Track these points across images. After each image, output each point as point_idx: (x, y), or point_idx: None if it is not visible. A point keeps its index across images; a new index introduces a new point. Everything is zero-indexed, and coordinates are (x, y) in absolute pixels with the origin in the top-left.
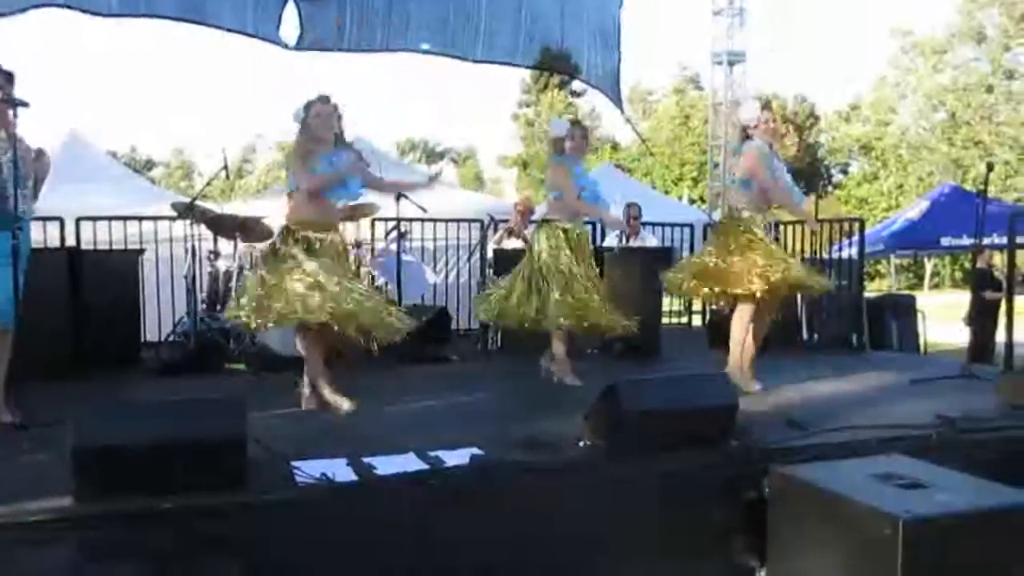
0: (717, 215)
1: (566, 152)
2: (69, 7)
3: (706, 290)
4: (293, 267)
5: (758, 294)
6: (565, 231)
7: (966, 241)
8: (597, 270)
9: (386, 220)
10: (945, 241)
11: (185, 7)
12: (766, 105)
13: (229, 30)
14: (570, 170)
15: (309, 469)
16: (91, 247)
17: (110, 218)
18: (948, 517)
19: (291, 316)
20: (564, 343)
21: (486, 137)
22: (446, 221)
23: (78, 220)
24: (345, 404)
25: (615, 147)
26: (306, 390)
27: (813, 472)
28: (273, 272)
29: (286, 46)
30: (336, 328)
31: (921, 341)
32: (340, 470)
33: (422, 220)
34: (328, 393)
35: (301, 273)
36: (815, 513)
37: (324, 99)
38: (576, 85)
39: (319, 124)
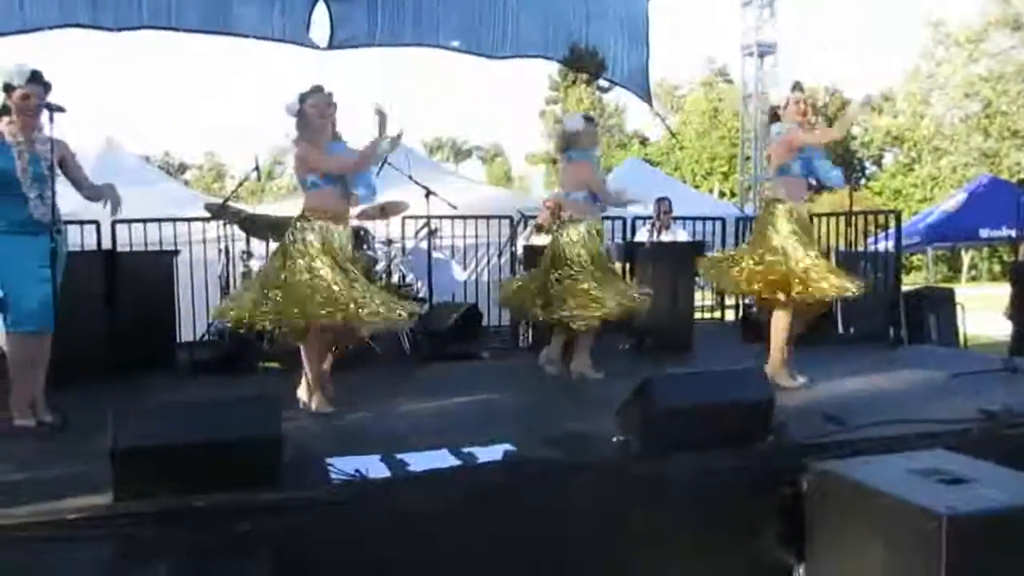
0: (748, 208)
1: (583, 146)
2: (96, 27)
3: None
4: (301, 265)
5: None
6: (596, 229)
7: (1006, 232)
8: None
9: (416, 218)
10: (984, 233)
11: (209, 19)
12: (796, 86)
13: (257, 38)
14: (590, 163)
15: (343, 466)
16: (127, 249)
17: (145, 220)
18: (992, 513)
19: (291, 315)
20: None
21: (514, 135)
22: (476, 218)
23: (114, 223)
24: (327, 409)
25: (644, 142)
26: (303, 394)
27: (852, 468)
28: (279, 269)
29: (316, 47)
30: (342, 326)
31: (960, 334)
32: (374, 467)
33: (452, 218)
34: (315, 395)
35: (308, 272)
36: (854, 510)
37: (318, 89)
38: (603, 81)
39: (316, 115)
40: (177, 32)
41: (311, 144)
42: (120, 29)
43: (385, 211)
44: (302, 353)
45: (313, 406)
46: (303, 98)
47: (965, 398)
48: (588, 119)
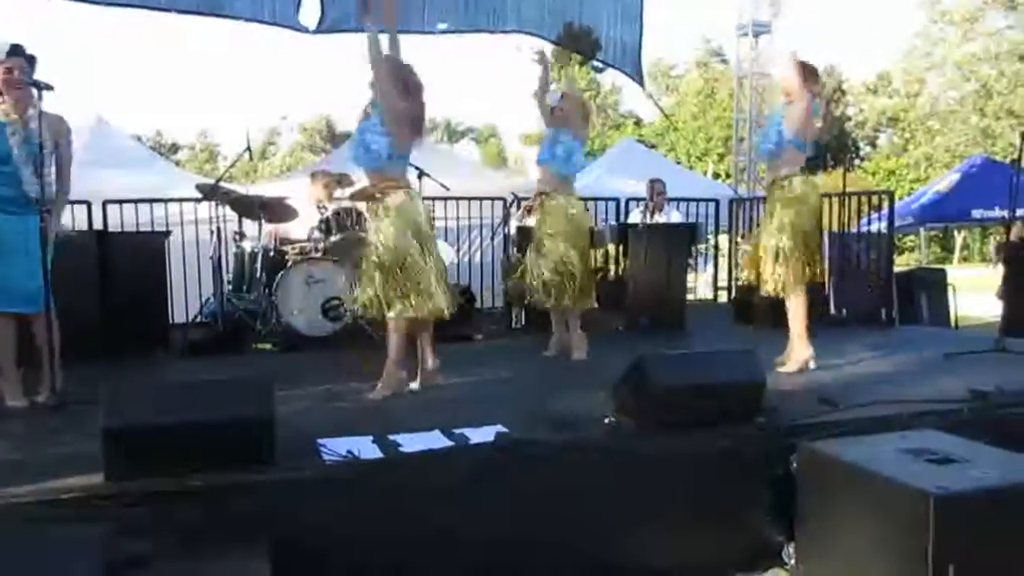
0: (743, 190)
1: (556, 123)
2: (93, 2)
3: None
4: (412, 262)
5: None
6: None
7: (998, 213)
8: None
9: None
10: (976, 213)
11: (200, 1)
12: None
13: (247, 20)
14: (547, 138)
15: (335, 447)
16: (118, 230)
17: (136, 201)
18: (981, 492)
19: (409, 313)
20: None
21: (508, 115)
22: (468, 199)
23: (105, 203)
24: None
25: (638, 123)
26: (401, 373)
27: (842, 448)
28: (395, 265)
29: (307, 30)
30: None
31: (952, 315)
32: (366, 447)
33: (444, 199)
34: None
35: (419, 272)
36: (844, 489)
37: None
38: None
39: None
40: (167, 13)
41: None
42: (109, 4)
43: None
44: (393, 337)
45: (390, 391)
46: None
47: (956, 378)
48: (564, 96)
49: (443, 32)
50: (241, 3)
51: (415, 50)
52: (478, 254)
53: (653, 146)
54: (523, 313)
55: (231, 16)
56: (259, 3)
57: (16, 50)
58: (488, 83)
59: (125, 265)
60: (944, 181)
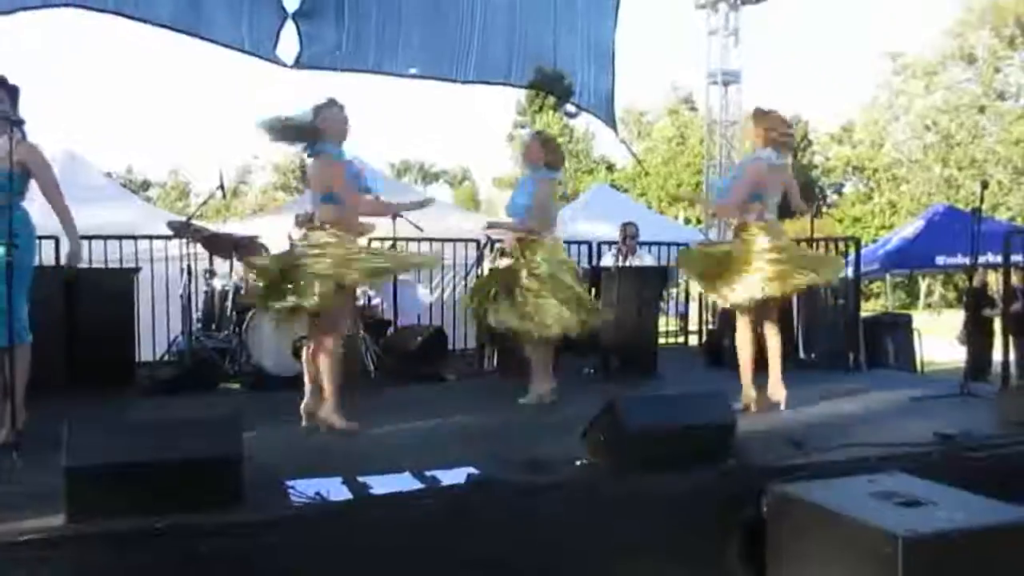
0: (713, 234)
1: (529, 164)
2: (68, 5)
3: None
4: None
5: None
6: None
7: (960, 260)
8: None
9: (382, 240)
10: (940, 260)
11: (179, 16)
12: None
13: (225, 45)
14: (533, 184)
15: (304, 488)
16: (86, 266)
17: (105, 237)
18: (948, 535)
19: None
20: (542, 361)
21: (481, 158)
22: (442, 241)
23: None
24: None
25: (611, 167)
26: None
27: (812, 490)
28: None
29: (284, 64)
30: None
31: (917, 359)
32: (335, 489)
33: (418, 240)
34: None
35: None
36: (814, 531)
37: (332, 102)
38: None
39: (335, 128)
40: (144, 24)
41: (336, 166)
42: (81, 6)
43: None
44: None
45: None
46: (318, 110)
47: (923, 421)
48: (536, 135)
49: (413, 76)
50: (220, 28)
51: (390, 93)
52: (451, 295)
53: (625, 191)
54: (495, 354)
55: (209, 39)
56: (238, 30)
57: None
58: (461, 127)
59: (92, 301)
60: (909, 228)
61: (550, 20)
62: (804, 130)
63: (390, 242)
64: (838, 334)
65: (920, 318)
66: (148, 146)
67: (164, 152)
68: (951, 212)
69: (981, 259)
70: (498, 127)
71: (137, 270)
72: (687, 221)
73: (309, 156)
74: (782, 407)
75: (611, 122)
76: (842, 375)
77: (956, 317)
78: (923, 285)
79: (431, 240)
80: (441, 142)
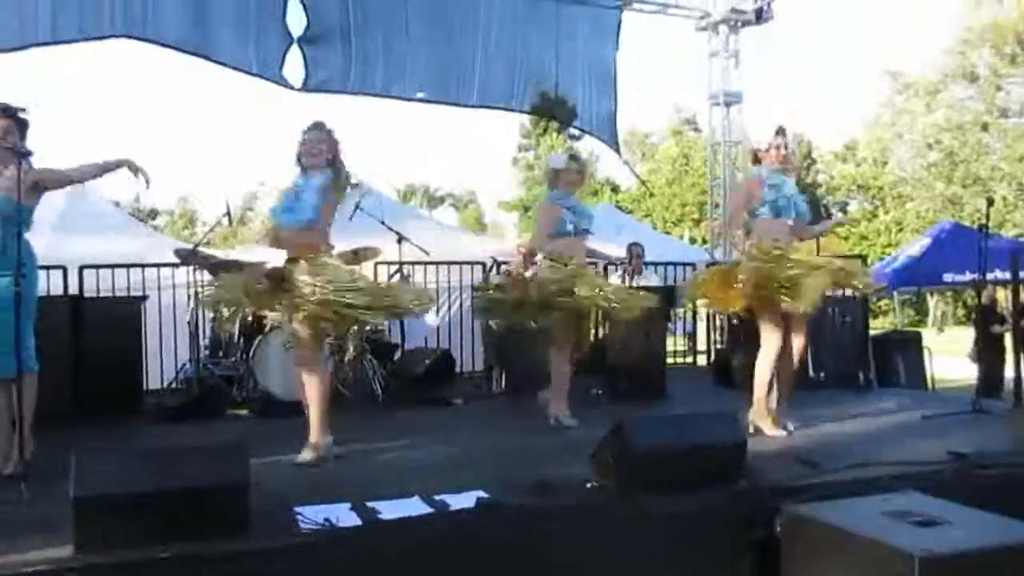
0: (719, 254)
1: (559, 187)
2: (57, 42)
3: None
4: None
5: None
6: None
7: (968, 277)
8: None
9: (388, 263)
10: (948, 277)
11: (187, 38)
12: (780, 131)
13: (233, 68)
14: (562, 207)
15: (312, 515)
16: (94, 295)
17: (113, 266)
18: (965, 554)
19: None
20: (564, 379)
21: (486, 182)
22: (448, 264)
23: (81, 268)
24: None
25: (615, 189)
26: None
27: (825, 510)
28: None
29: (291, 87)
30: None
31: (928, 377)
32: (344, 515)
33: (424, 263)
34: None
35: None
36: (828, 552)
37: (317, 126)
38: (574, 129)
39: (304, 151)
40: (152, 45)
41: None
42: (89, 39)
43: (358, 256)
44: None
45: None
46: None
47: (936, 440)
48: (572, 159)
49: (421, 100)
50: (228, 50)
51: (396, 118)
52: (458, 318)
53: (630, 212)
54: (503, 377)
55: (217, 61)
56: (246, 52)
57: (4, 111)
58: (466, 150)
59: (100, 330)
60: (916, 246)
61: (552, 45)
62: (807, 148)
63: (396, 266)
64: (847, 353)
65: (929, 336)
66: (155, 175)
67: (171, 181)
68: (957, 229)
69: (989, 276)
70: (502, 150)
71: (144, 298)
72: (692, 241)
73: None
74: (789, 431)
75: (614, 144)
76: (852, 394)
77: (964, 334)
78: (931, 303)
79: (437, 263)
80: (446, 166)
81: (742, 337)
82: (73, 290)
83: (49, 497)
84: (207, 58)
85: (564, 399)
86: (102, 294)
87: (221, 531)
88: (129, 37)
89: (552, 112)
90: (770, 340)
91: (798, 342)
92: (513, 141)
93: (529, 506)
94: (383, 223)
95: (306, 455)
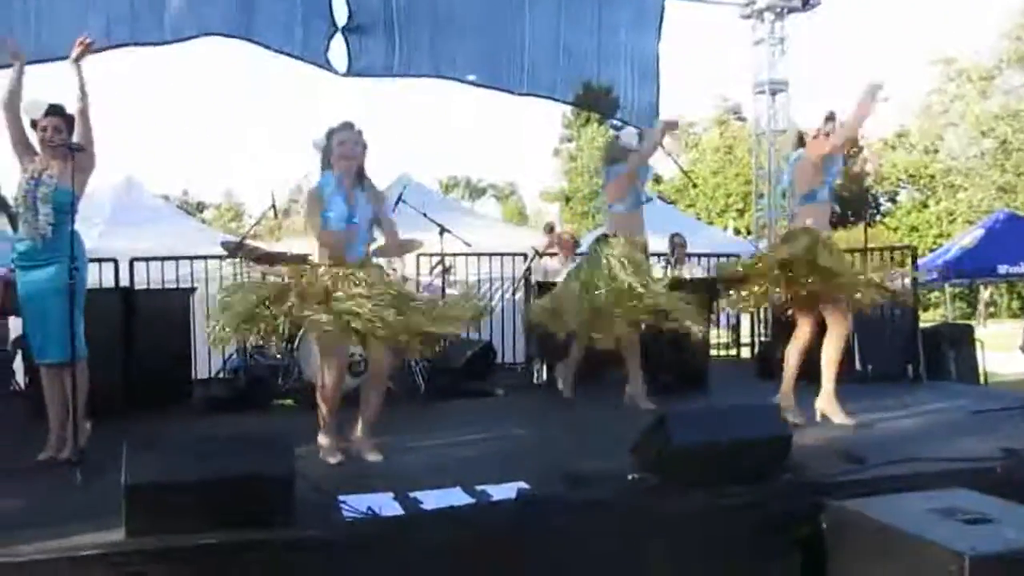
0: (763, 245)
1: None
2: (127, 45)
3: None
4: None
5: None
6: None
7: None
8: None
9: (431, 255)
10: (1002, 269)
11: (233, 24)
12: (830, 116)
13: (276, 50)
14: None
15: (356, 504)
16: (144, 287)
17: (163, 258)
18: (1015, 553)
19: None
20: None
21: (528, 173)
22: (490, 255)
23: (132, 261)
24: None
25: (658, 179)
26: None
27: (872, 507)
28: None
29: (336, 72)
30: None
31: (980, 371)
32: (386, 505)
33: (466, 255)
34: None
35: None
36: (875, 549)
37: (348, 126)
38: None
39: (340, 154)
40: (198, 38)
41: (312, 201)
42: (146, 44)
43: (400, 248)
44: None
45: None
46: (330, 134)
47: (986, 436)
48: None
49: (472, 83)
50: (272, 32)
51: (443, 108)
52: (499, 309)
53: (673, 202)
54: (544, 368)
55: (262, 43)
56: (290, 34)
57: (54, 110)
58: (507, 141)
59: (150, 322)
60: (968, 236)
61: (594, 35)
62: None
63: (438, 258)
64: (896, 346)
65: (982, 329)
66: (203, 169)
67: (218, 175)
68: (1012, 219)
69: None
70: (544, 141)
71: (193, 290)
72: (736, 231)
73: None
74: (837, 421)
75: None
76: (901, 388)
77: (1016, 327)
78: (984, 295)
79: (479, 255)
80: (488, 157)
81: (786, 330)
82: (124, 283)
83: (102, 483)
84: (252, 41)
85: (639, 379)
86: (152, 286)
87: (267, 520)
88: (179, 40)
89: (595, 104)
90: (801, 327)
91: (838, 331)
92: (555, 131)
93: (570, 498)
94: (425, 215)
95: (330, 459)
